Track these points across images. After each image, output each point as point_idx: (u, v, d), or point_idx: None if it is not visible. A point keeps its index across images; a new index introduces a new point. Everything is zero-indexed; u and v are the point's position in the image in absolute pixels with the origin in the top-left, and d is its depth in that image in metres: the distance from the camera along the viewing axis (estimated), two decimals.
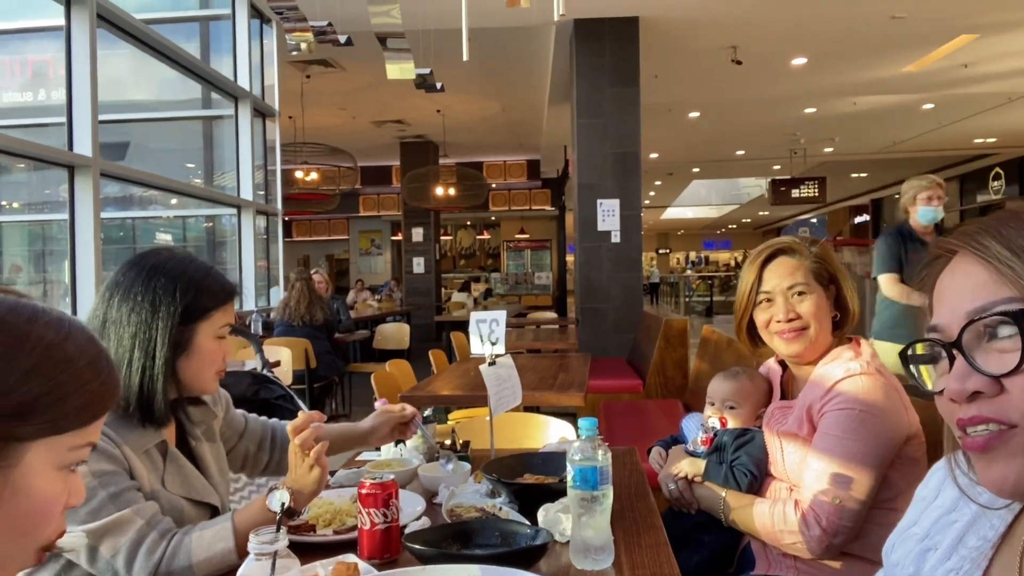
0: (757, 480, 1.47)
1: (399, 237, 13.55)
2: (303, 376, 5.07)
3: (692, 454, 1.57)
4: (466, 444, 1.80)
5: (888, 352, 3.19)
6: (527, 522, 1.26)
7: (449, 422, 3.08)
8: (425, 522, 1.32)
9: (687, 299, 20.10)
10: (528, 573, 1.04)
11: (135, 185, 4.26)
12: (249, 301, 5.28)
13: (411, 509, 1.38)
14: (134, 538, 1.12)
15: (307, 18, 3.58)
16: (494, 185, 13.32)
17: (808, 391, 1.44)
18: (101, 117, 3.37)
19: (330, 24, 3.70)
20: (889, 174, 15.05)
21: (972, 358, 0.61)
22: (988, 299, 0.61)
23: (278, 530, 0.97)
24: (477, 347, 1.94)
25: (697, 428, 1.61)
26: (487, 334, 1.98)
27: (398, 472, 1.53)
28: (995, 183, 13.34)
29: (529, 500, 1.35)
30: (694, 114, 9.73)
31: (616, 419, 3.72)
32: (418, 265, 11.67)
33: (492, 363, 1.80)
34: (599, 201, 5.77)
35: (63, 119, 3.30)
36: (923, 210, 3.54)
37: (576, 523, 1.14)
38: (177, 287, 1.21)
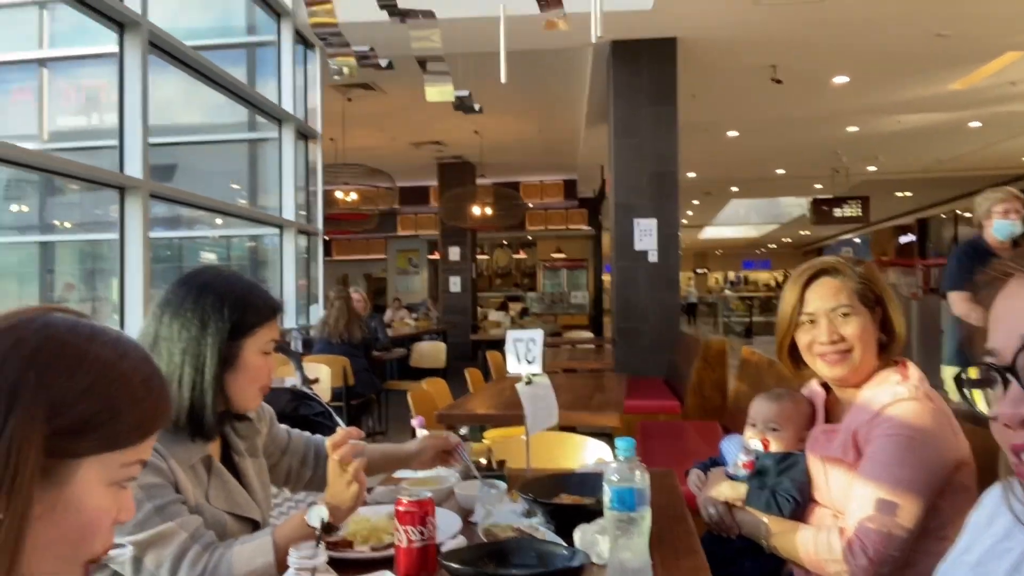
0: (800, 506, 1.43)
1: (436, 256, 13.66)
2: (341, 393, 5.12)
3: (732, 477, 1.53)
4: (502, 463, 1.80)
5: None
6: (564, 543, 1.25)
7: (485, 441, 3.08)
8: (461, 541, 1.32)
9: (725, 319, 19.82)
10: None
11: (182, 206, 4.37)
12: (289, 319, 5.36)
13: (447, 527, 1.38)
14: (177, 551, 1.14)
15: (350, 43, 3.65)
16: (531, 205, 13.36)
17: (854, 415, 1.40)
18: (151, 140, 3.48)
19: (372, 49, 3.77)
20: (935, 193, 14.71)
21: None
22: None
23: (317, 545, 0.98)
24: (513, 366, 1.94)
25: (737, 450, 1.57)
26: (524, 353, 1.97)
27: (435, 490, 1.53)
28: None
29: (565, 521, 1.34)
30: (733, 133, 9.66)
31: (653, 440, 3.67)
32: (455, 284, 11.73)
33: (528, 382, 1.80)
34: (636, 220, 5.75)
35: (115, 142, 3.41)
36: (998, 224, 3.28)
37: (613, 545, 1.12)
38: (225, 304, 1.24)
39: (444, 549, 1.23)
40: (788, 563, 1.46)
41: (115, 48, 3.42)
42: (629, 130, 5.82)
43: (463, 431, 1.83)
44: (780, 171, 12.91)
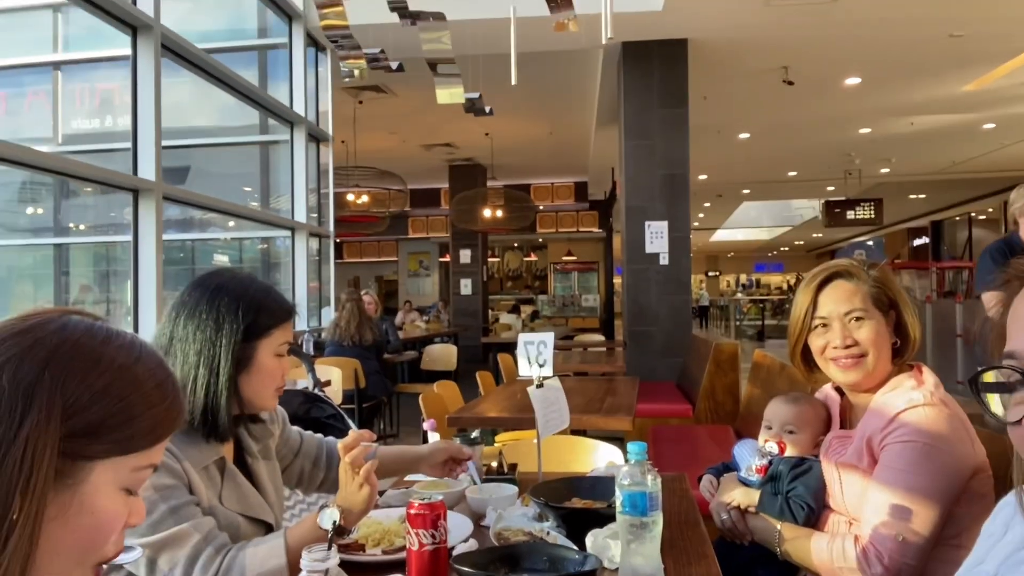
0: (814, 513, 1.42)
1: (447, 259, 13.69)
2: (352, 396, 5.13)
3: (745, 482, 1.52)
4: (513, 467, 1.79)
5: None
6: (575, 547, 1.25)
7: (496, 444, 3.07)
8: (473, 544, 1.31)
9: (738, 323, 19.73)
10: None
11: (195, 208, 4.40)
12: (301, 321, 5.38)
13: (459, 531, 1.38)
14: (191, 553, 1.14)
15: (360, 46, 3.67)
16: (541, 207, 13.37)
17: (868, 421, 1.39)
18: (164, 143, 3.51)
19: (383, 51, 3.79)
20: (949, 196, 14.59)
21: None
22: None
23: (329, 548, 0.98)
24: (524, 369, 1.93)
25: (750, 455, 1.56)
26: (535, 356, 1.97)
27: (446, 493, 1.53)
28: None
29: (577, 525, 1.34)
30: (744, 135, 9.62)
31: (665, 444, 3.66)
32: (465, 287, 11.75)
33: (540, 385, 1.79)
34: (647, 223, 5.74)
35: (128, 145, 3.44)
36: None
37: (625, 549, 1.12)
38: (240, 306, 1.25)
39: (455, 552, 1.23)
40: (801, 571, 1.44)
41: (128, 51, 3.45)
42: (640, 132, 5.81)
43: (474, 434, 1.82)
44: (792, 173, 12.85)
